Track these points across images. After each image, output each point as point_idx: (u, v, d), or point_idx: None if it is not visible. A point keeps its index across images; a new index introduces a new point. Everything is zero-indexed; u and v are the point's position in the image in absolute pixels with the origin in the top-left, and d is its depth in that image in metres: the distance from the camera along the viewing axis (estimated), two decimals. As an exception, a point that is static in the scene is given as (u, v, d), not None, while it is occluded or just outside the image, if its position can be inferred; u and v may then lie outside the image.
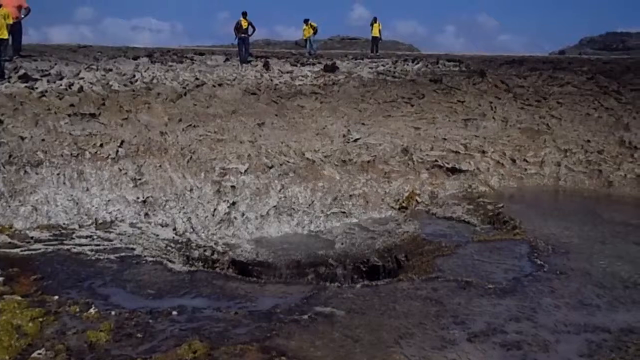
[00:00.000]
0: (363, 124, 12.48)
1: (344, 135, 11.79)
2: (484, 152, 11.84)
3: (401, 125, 12.62)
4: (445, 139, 12.10)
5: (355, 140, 11.63)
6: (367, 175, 10.78)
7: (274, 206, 9.49)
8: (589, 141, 12.22)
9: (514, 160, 11.74)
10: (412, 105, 13.62)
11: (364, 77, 15.26)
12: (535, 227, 8.21)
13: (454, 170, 11.30)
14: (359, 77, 15.23)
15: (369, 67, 16.46)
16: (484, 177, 11.27)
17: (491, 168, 11.52)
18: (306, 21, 20.91)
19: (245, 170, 9.93)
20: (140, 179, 9.10)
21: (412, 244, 8.01)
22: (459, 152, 11.74)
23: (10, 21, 12.51)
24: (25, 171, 8.42)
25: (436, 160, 11.39)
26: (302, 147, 11.03)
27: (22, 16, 14.06)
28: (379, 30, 21.49)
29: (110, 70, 13.54)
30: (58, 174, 8.62)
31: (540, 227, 8.20)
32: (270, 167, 10.17)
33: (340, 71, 15.72)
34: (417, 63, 17.35)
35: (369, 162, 11.06)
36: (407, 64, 17.21)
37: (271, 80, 14.21)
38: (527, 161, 11.77)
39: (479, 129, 12.72)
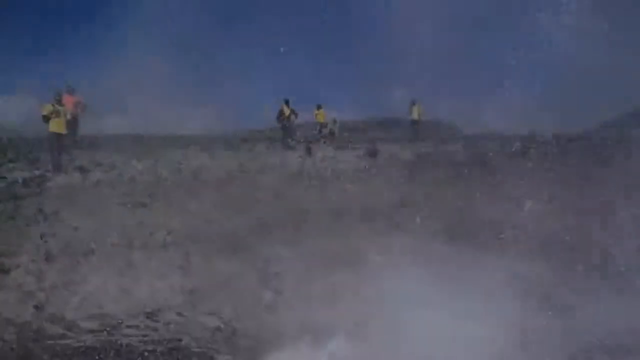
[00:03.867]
0: (407, 208, 12.46)
1: (388, 221, 11.76)
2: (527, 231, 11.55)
3: (445, 206, 12.54)
4: (491, 221, 11.91)
5: (398, 226, 11.57)
6: (409, 258, 10.62)
7: (319, 293, 9.40)
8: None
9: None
10: (456, 187, 13.58)
11: (405, 159, 15.42)
12: None
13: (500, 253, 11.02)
14: (401, 160, 15.40)
15: (410, 150, 16.65)
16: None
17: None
18: (319, 107, 21.40)
19: (290, 257, 9.94)
20: (187, 268, 9.22)
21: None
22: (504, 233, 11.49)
23: (69, 117, 13.35)
24: (78, 261, 8.67)
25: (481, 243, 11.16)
26: (347, 234, 11.02)
27: (79, 112, 15.02)
28: (419, 113, 21.51)
29: (160, 159, 14.12)
30: (108, 264, 8.83)
31: None
32: (314, 254, 10.16)
33: (381, 154, 15.94)
34: (459, 144, 17.46)
35: (410, 242, 10.93)
36: (449, 145, 17.34)
37: (314, 165, 14.51)
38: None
39: (524, 209, 12.49)
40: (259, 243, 10.23)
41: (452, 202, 12.76)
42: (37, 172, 12.46)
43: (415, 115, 21.37)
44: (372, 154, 15.92)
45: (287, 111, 18.11)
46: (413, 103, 21.40)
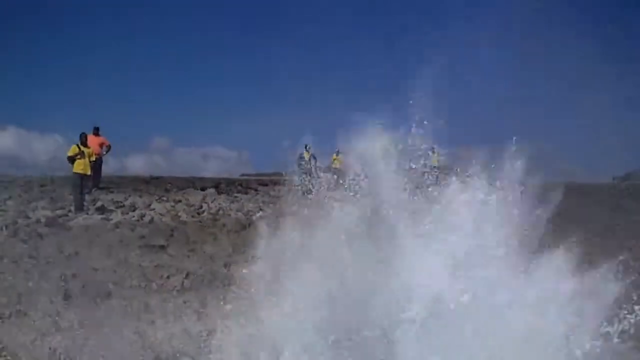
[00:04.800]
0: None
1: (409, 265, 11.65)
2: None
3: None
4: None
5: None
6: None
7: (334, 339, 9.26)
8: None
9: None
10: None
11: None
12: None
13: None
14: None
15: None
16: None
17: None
18: (338, 152, 21.26)
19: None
20: (203, 312, 9.17)
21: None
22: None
23: (94, 158, 13.62)
24: (96, 303, 8.68)
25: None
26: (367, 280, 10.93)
27: (104, 153, 15.33)
28: (438, 160, 21.61)
29: (180, 201, 14.27)
30: (125, 306, 8.83)
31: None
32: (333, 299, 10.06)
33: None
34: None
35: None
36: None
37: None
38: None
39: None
40: (277, 289, 10.16)
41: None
42: (59, 212, 12.63)
43: (434, 162, 21.55)
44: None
45: (307, 155, 18.24)
46: (432, 150, 21.60)
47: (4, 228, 10.74)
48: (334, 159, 21.61)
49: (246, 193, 16.37)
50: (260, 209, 14.04)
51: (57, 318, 8.18)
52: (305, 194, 16.85)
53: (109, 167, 17.34)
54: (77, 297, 8.64)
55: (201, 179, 19.58)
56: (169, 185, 16.77)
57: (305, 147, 18.40)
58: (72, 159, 12.95)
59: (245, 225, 12.67)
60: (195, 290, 9.59)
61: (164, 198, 14.50)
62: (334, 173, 21.10)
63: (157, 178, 18.74)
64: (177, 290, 9.43)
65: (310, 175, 17.96)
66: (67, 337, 7.88)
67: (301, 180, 17.80)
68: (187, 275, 9.89)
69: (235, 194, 15.96)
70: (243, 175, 27.29)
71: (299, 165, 18.06)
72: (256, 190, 16.91)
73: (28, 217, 11.95)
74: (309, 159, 18.06)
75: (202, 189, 16.28)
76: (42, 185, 15.69)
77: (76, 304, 8.53)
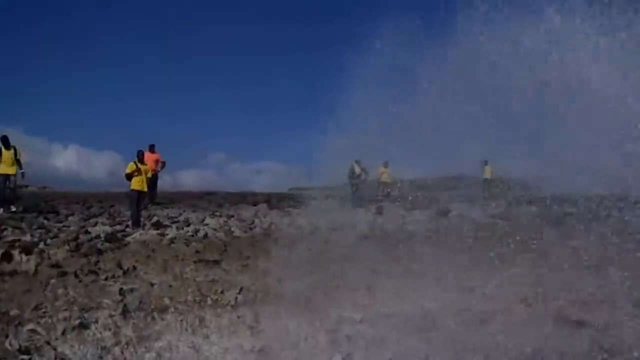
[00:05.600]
0: (480, 270, 12.02)
1: (460, 284, 11.37)
2: (614, 303, 10.79)
3: (521, 272, 11.99)
4: (570, 289, 11.25)
5: (473, 289, 11.14)
6: (486, 327, 10.14)
7: (390, 358, 9.09)
8: None
9: (654, 314, 10.55)
10: (532, 251, 13.01)
11: (477, 220, 15.02)
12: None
13: (581, 324, 10.32)
14: (473, 220, 15.02)
15: (482, 210, 16.25)
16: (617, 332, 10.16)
17: (626, 322, 10.40)
18: (386, 164, 20.64)
19: (361, 320, 9.74)
20: (256, 327, 9.19)
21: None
22: (587, 303, 10.79)
23: (150, 175, 14.00)
24: (153, 317, 8.84)
25: (560, 312, 10.52)
26: (418, 296, 10.72)
27: (159, 169, 15.76)
28: (491, 172, 21.24)
29: (232, 216, 14.47)
30: (181, 320, 8.95)
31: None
32: (386, 317, 9.91)
33: (452, 214, 15.63)
34: (533, 205, 16.87)
35: (488, 312, 10.45)
36: (522, 206, 16.79)
37: (384, 225, 14.39)
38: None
39: (607, 277, 11.74)
40: (329, 304, 10.11)
41: (529, 268, 12.20)
42: (117, 227, 13.03)
43: (487, 175, 21.18)
44: (443, 213, 15.64)
45: (358, 169, 18.24)
46: (485, 162, 21.24)
47: (67, 243, 11.12)
48: (382, 172, 21.39)
49: (297, 207, 16.44)
50: (311, 223, 14.05)
51: (116, 331, 8.37)
52: (356, 207, 16.86)
53: (164, 183, 17.83)
54: (135, 311, 8.83)
55: (253, 193, 19.86)
56: (222, 200, 17.05)
57: (356, 162, 18.42)
58: (129, 176, 13.36)
59: (297, 240, 12.70)
60: (249, 305, 9.63)
61: (217, 213, 14.74)
62: (383, 187, 21.03)
63: (210, 193, 19.12)
64: (231, 305, 9.50)
65: (360, 189, 18.01)
66: (126, 351, 8.05)
67: (352, 193, 17.84)
68: (241, 290, 9.95)
69: (287, 209, 16.05)
70: (292, 189, 27.48)
71: (350, 179, 18.09)
72: (307, 204, 16.97)
73: (88, 233, 12.36)
74: (360, 173, 18.05)
75: (254, 204, 16.49)
76: (100, 201, 16.25)
77: (134, 318, 8.72)
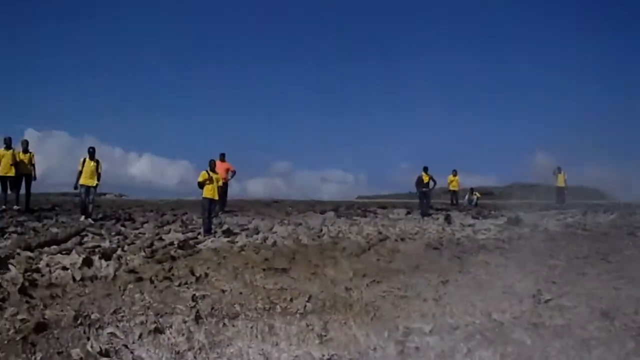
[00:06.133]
0: (554, 282, 11.53)
1: (533, 295, 10.93)
2: None
3: (598, 285, 11.40)
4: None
5: (547, 301, 10.68)
6: (562, 342, 9.66)
7: (461, 372, 8.83)
8: None
9: None
10: (610, 262, 12.34)
11: (551, 230, 14.43)
12: None
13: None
14: (546, 230, 14.44)
15: (556, 219, 15.61)
16: None
17: None
18: (455, 173, 20.80)
19: (430, 331, 9.53)
20: (325, 336, 9.17)
21: None
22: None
23: (221, 183, 14.34)
24: (224, 323, 8.99)
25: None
26: (489, 307, 10.38)
27: (230, 178, 16.13)
28: (565, 180, 20.53)
29: (300, 224, 14.55)
30: (251, 327, 9.06)
31: None
32: (456, 328, 9.65)
33: (524, 224, 15.07)
34: (611, 214, 16.02)
35: (563, 326, 9.97)
36: (599, 215, 15.99)
37: (453, 234, 14.06)
38: None
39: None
40: (397, 314, 9.97)
41: (606, 280, 11.57)
42: (190, 235, 13.40)
43: (561, 182, 20.53)
44: (514, 222, 15.10)
45: (426, 178, 17.99)
46: (559, 170, 20.66)
47: (143, 250, 11.52)
48: (451, 180, 21.05)
49: (365, 216, 16.35)
50: (380, 232, 13.91)
51: (189, 337, 8.57)
52: (424, 215, 16.57)
53: (233, 191, 18.22)
54: (207, 317, 9.01)
55: (320, 202, 19.93)
56: (290, 208, 17.21)
57: (424, 170, 18.17)
58: (201, 185, 13.73)
59: (365, 249, 12.61)
60: (317, 314, 9.63)
61: (285, 221, 14.88)
62: (452, 195, 20.66)
63: (277, 201, 19.35)
64: (300, 313, 9.53)
65: (429, 197, 17.70)
66: (199, 356, 8.23)
67: (421, 201, 17.57)
68: (310, 298, 9.97)
69: (355, 217, 15.99)
70: (360, 197, 27.39)
71: (418, 187, 17.83)
72: (375, 213, 16.85)
73: (162, 240, 12.77)
74: (428, 182, 17.79)
75: (322, 212, 16.53)
76: (172, 209, 16.78)
77: (206, 324, 8.90)
